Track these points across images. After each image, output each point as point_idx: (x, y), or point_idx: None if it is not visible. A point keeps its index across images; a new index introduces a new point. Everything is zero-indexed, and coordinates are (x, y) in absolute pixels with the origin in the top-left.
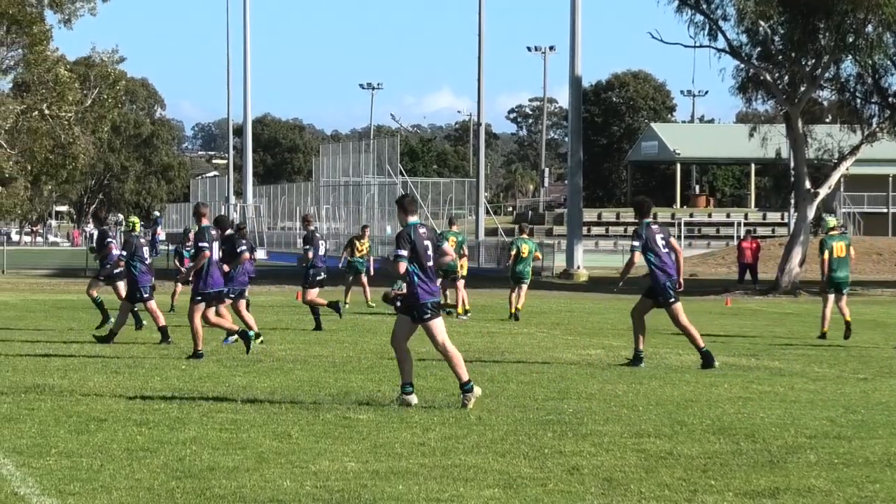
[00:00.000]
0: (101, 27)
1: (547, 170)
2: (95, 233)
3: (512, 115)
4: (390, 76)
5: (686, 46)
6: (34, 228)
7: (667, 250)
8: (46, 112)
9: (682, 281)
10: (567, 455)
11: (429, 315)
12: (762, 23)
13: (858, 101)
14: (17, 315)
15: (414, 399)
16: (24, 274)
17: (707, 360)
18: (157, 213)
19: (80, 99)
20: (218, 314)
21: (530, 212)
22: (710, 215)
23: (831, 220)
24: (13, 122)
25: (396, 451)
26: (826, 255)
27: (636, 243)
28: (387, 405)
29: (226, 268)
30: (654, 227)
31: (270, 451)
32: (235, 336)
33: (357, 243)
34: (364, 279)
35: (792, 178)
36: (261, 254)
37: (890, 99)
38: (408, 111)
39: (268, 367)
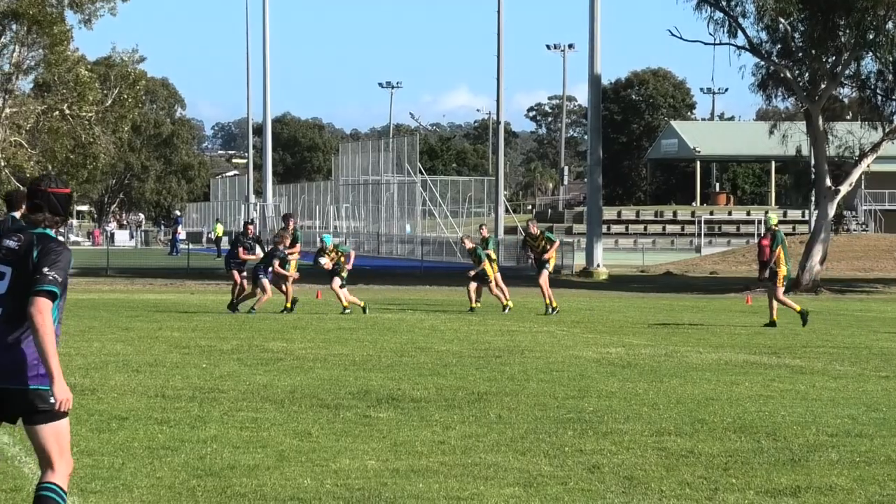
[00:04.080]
0: (121, 27)
1: (566, 168)
2: None
3: (531, 114)
4: (409, 75)
5: (705, 44)
6: None
7: None
8: (67, 112)
9: None
10: (587, 453)
11: None
12: (782, 20)
13: (879, 97)
14: None
15: None
16: None
17: None
18: (177, 213)
19: (100, 99)
20: None
21: (550, 210)
22: (730, 213)
23: None
24: (34, 121)
25: (417, 449)
26: None
27: None
28: (407, 403)
29: None
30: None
31: (291, 450)
32: None
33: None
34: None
35: (812, 176)
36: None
37: None
38: (426, 110)
39: (288, 365)
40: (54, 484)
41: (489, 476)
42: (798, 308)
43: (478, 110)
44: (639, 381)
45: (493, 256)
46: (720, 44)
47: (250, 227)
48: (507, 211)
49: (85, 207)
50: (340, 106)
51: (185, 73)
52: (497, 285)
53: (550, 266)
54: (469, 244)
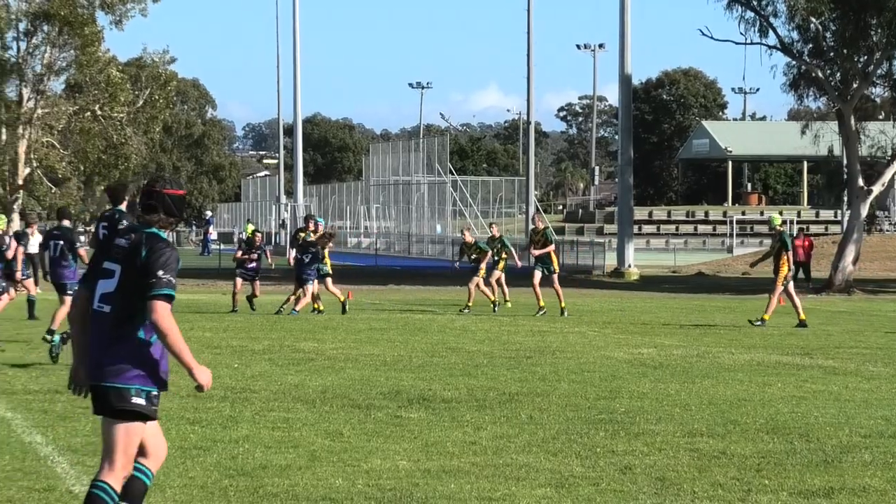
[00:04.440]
0: (152, 28)
1: (597, 168)
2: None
3: (562, 114)
4: (439, 75)
5: (737, 43)
6: (87, 228)
7: None
8: (99, 113)
9: None
10: (619, 454)
11: None
12: (813, 19)
13: None
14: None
15: None
16: (79, 274)
17: None
18: (209, 213)
19: (131, 100)
20: None
21: (581, 210)
22: (762, 213)
23: None
24: (66, 122)
25: (448, 449)
26: None
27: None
28: (438, 404)
29: None
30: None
31: (322, 450)
32: None
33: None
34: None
35: (845, 176)
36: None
37: None
38: (456, 110)
39: (319, 365)
40: (108, 484)
41: (521, 477)
42: (768, 316)
43: (508, 110)
44: (671, 381)
45: (505, 256)
46: (751, 43)
47: (258, 235)
48: (537, 211)
49: None
50: (370, 106)
51: (215, 73)
52: (489, 284)
53: (555, 267)
54: (469, 237)
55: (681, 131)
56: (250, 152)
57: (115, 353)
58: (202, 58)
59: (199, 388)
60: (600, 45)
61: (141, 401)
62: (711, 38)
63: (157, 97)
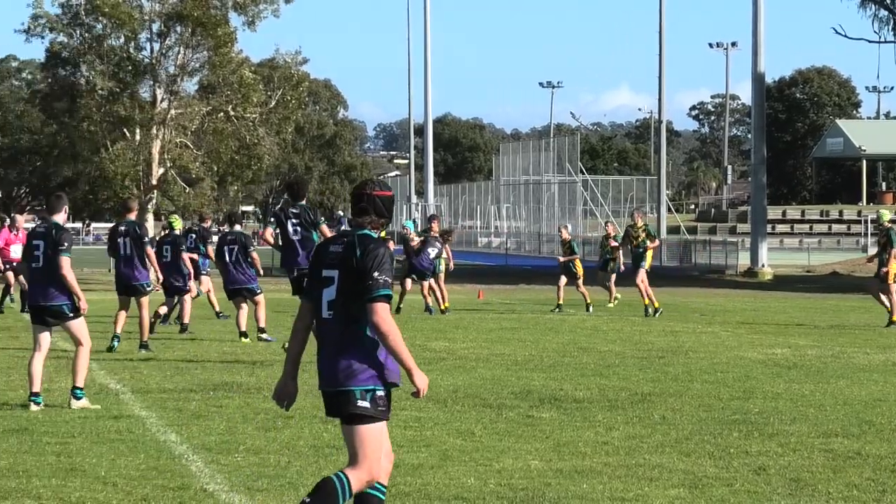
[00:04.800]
0: (284, 29)
1: (730, 167)
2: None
3: (693, 112)
4: (569, 74)
5: (870, 42)
6: (221, 228)
7: None
8: (231, 113)
9: None
10: (753, 455)
11: None
12: None
13: None
14: (208, 314)
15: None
16: (214, 273)
17: None
18: (340, 213)
19: (264, 100)
20: None
21: (713, 209)
22: None
23: None
24: (199, 123)
25: (580, 449)
26: None
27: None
28: (570, 404)
29: None
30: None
31: (454, 449)
32: None
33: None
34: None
35: None
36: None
37: None
38: (586, 109)
39: (450, 365)
40: (347, 477)
41: (654, 477)
42: None
43: (639, 109)
44: (805, 382)
45: (615, 255)
46: (885, 42)
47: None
48: (669, 210)
49: (249, 208)
50: (501, 106)
51: (347, 74)
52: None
53: (647, 264)
54: (566, 235)
55: (814, 130)
56: (381, 152)
57: (343, 358)
58: (334, 58)
59: (416, 393)
60: (733, 44)
61: (365, 403)
62: (845, 36)
63: (289, 98)
